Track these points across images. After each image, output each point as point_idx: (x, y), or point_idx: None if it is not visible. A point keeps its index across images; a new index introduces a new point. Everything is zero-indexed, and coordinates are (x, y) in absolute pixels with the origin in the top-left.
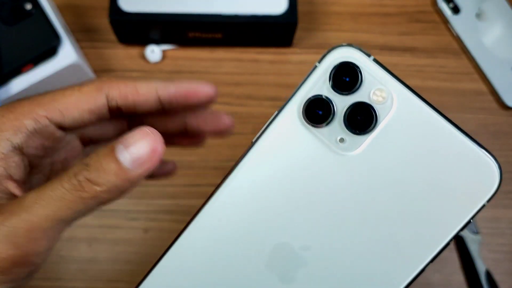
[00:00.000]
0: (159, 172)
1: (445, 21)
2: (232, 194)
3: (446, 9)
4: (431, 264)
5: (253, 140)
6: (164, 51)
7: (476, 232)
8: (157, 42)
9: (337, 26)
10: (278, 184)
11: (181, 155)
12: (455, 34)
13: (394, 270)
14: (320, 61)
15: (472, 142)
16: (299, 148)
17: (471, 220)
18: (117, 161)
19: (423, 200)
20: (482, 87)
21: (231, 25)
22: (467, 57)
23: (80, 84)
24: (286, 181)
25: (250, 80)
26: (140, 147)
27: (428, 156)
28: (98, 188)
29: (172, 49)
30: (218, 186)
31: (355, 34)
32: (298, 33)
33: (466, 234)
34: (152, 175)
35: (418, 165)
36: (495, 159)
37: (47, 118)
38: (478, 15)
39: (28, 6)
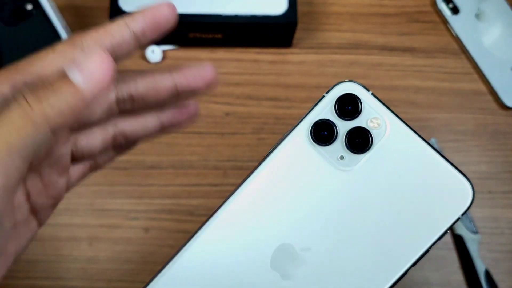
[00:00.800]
0: (179, 116)
1: (445, 22)
2: (244, 200)
3: (445, 9)
4: (430, 263)
5: (265, 155)
6: (164, 52)
7: (475, 232)
8: (158, 42)
9: (336, 27)
10: (285, 193)
11: (182, 154)
12: (454, 34)
13: (381, 271)
14: (327, 92)
15: (450, 165)
16: (305, 163)
17: (448, 231)
18: (67, 78)
19: (408, 211)
20: (482, 87)
21: (231, 26)
22: (467, 57)
23: (53, 45)
24: (292, 190)
25: (250, 80)
26: (90, 62)
27: (413, 174)
28: (48, 108)
29: (173, 50)
30: (231, 194)
31: (354, 35)
32: (298, 33)
33: (465, 233)
34: (174, 125)
35: (405, 181)
36: (469, 180)
37: (25, 83)
38: (478, 15)
39: (29, 7)
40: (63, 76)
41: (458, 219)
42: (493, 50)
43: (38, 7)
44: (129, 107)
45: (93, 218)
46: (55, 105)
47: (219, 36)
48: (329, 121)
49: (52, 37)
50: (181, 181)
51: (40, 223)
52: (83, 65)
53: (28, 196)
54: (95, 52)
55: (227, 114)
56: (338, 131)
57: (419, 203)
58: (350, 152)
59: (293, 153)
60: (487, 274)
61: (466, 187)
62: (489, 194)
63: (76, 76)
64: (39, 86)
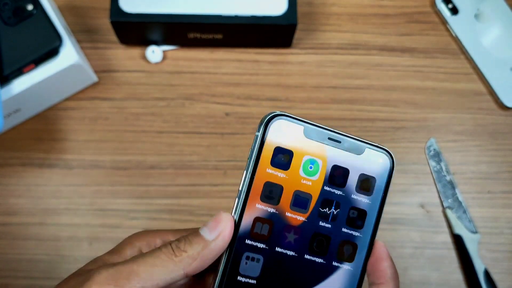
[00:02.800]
0: None
1: (444, 22)
2: None
3: (445, 10)
4: (429, 263)
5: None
6: (164, 52)
7: (474, 232)
8: (158, 42)
9: (336, 27)
10: None
11: (182, 155)
12: (453, 35)
13: None
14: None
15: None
16: None
17: None
18: (199, 235)
19: None
20: (481, 87)
21: (232, 26)
22: (466, 57)
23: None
24: None
25: (250, 80)
26: (213, 220)
27: None
28: (184, 254)
29: (173, 50)
30: None
31: (354, 35)
32: (298, 34)
33: (464, 233)
34: None
35: None
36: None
37: None
38: (477, 16)
39: (30, 7)
40: (196, 231)
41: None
42: (492, 50)
43: (39, 7)
44: None
45: (94, 218)
46: (189, 251)
47: (219, 36)
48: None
49: (53, 38)
50: (181, 181)
51: None
52: (209, 223)
53: None
54: (218, 213)
55: (227, 114)
56: None
57: None
58: None
59: None
60: (486, 274)
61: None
62: (489, 194)
63: (204, 232)
64: (181, 240)
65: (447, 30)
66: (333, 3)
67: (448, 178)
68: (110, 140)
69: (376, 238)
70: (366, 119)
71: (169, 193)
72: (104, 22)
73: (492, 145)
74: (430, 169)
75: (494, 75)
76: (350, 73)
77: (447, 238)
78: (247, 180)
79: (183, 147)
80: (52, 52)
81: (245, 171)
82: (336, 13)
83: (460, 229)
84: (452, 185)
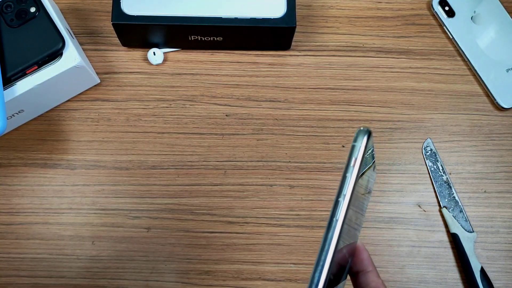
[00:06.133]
0: None
1: (441, 24)
2: None
3: (441, 12)
4: (426, 261)
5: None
6: (165, 54)
7: (470, 231)
8: (159, 44)
9: (334, 29)
10: None
11: (183, 155)
12: (450, 37)
13: None
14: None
15: None
16: None
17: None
18: None
19: None
20: (477, 88)
21: (231, 28)
22: (462, 59)
23: None
24: None
25: (250, 82)
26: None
27: None
28: None
29: (174, 52)
30: None
31: (352, 37)
32: (297, 36)
33: (461, 232)
34: None
35: None
36: None
37: None
38: (473, 18)
39: (32, 9)
40: None
41: None
42: (488, 52)
43: (42, 10)
44: None
45: (96, 217)
46: None
47: (219, 38)
48: None
49: (55, 40)
50: (182, 181)
51: None
52: None
53: None
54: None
55: (227, 115)
56: None
57: None
58: None
59: None
60: (483, 272)
61: None
62: (485, 193)
63: None
64: None
65: (444, 32)
66: (331, 6)
67: (444, 178)
68: (112, 140)
69: (364, 237)
70: (364, 120)
71: (170, 192)
72: (106, 25)
73: (487, 145)
74: (427, 169)
75: (490, 77)
76: (348, 75)
77: (444, 237)
78: (352, 185)
79: (184, 148)
80: (55, 54)
81: (348, 175)
82: (334, 16)
83: (456, 228)
84: (448, 184)
